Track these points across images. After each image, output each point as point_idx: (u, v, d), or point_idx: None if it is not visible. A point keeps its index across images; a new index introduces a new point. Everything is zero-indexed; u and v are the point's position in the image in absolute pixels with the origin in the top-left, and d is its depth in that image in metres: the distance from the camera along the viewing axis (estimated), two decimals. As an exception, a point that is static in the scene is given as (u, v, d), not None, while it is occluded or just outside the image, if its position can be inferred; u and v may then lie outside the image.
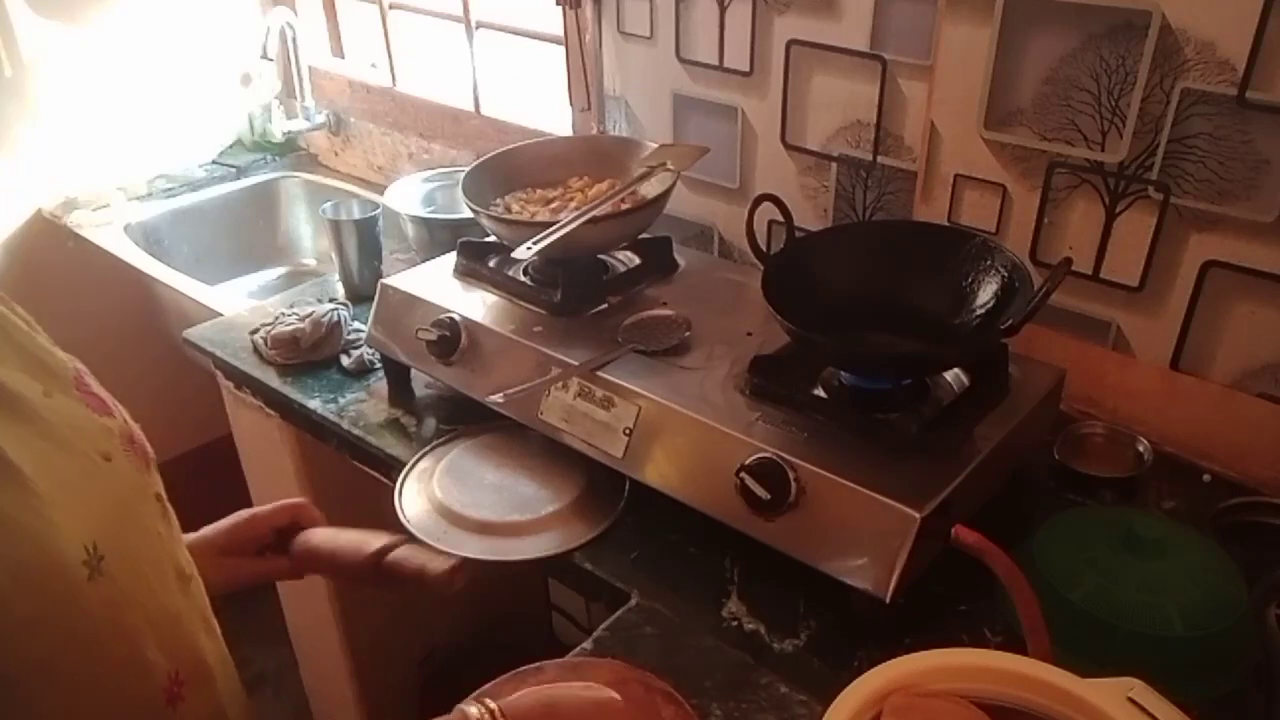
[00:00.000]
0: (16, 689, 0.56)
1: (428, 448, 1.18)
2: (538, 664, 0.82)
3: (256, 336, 1.42)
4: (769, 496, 0.90)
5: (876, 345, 1.06)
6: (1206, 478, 1.11)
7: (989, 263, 1.04)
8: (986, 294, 1.03)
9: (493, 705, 0.66)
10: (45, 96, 1.94)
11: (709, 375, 1.04)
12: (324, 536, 0.98)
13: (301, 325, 1.38)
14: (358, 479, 1.25)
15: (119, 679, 0.63)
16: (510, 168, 1.33)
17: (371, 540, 0.98)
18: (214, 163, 2.21)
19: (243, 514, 0.97)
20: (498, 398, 1.08)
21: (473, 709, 0.66)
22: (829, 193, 1.34)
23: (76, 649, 0.59)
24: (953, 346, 1.03)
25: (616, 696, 0.72)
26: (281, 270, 2.19)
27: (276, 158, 2.23)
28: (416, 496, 1.11)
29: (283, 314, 1.44)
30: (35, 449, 0.58)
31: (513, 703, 0.67)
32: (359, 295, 1.53)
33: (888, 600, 0.86)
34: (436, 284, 1.24)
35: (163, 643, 0.66)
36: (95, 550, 0.59)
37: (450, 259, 1.28)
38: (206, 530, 0.94)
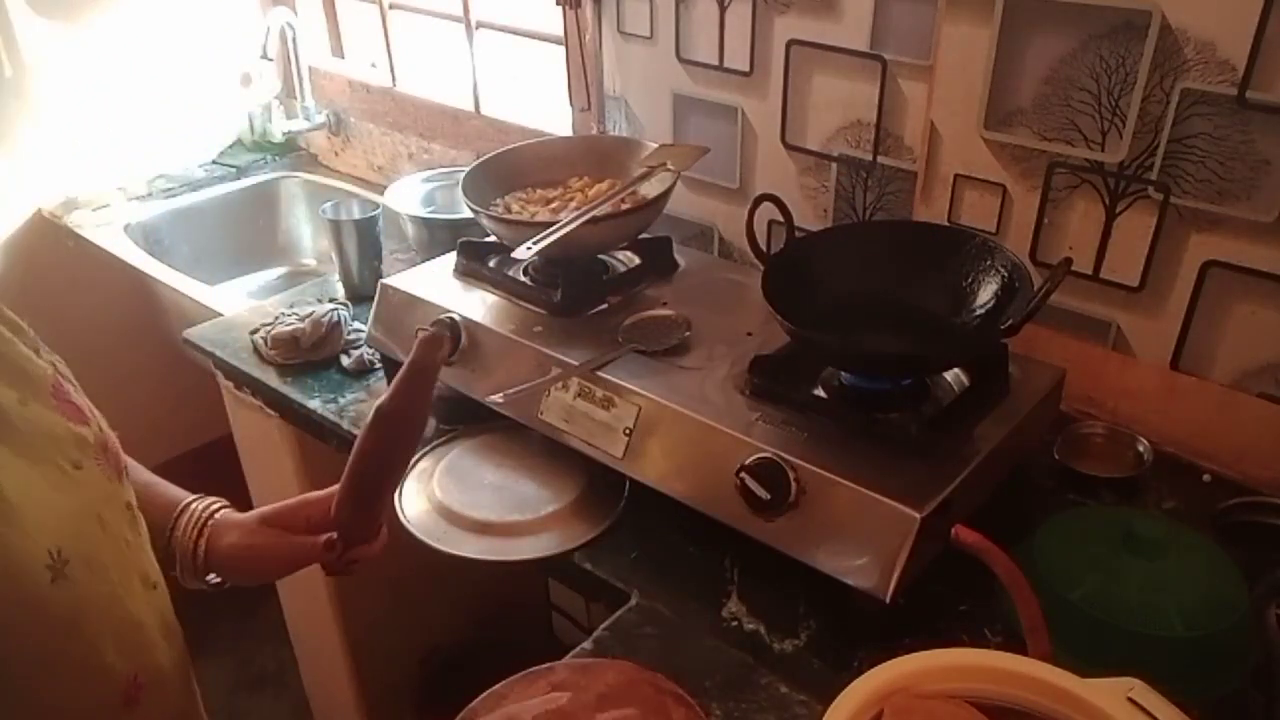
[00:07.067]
0: None
1: (428, 448, 1.18)
2: (549, 664, 0.82)
3: (256, 336, 1.42)
4: (769, 496, 0.90)
5: (877, 345, 1.06)
6: (1206, 478, 1.11)
7: (989, 263, 1.04)
8: (986, 294, 1.03)
9: None
10: (45, 96, 1.94)
11: (709, 375, 1.04)
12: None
13: (301, 325, 1.38)
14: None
15: (77, 680, 0.64)
16: (510, 168, 1.33)
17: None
18: (214, 163, 2.21)
19: (303, 496, 0.90)
20: (498, 398, 1.08)
21: None
22: (829, 193, 1.34)
23: (35, 650, 0.60)
24: (953, 346, 1.03)
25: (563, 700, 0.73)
26: (281, 270, 2.19)
27: (276, 158, 2.23)
28: (416, 496, 1.11)
29: (283, 314, 1.44)
30: (3, 458, 0.60)
31: None
32: (359, 295, 1.53)
33: (888, 600, 0.86)
34: (436, 284, 1.24)
35: (123, 647, 0.67)
36: (59, 555, 0.61)
37: (450, 259, 1.28)
38: (263, 509, 0.89)
